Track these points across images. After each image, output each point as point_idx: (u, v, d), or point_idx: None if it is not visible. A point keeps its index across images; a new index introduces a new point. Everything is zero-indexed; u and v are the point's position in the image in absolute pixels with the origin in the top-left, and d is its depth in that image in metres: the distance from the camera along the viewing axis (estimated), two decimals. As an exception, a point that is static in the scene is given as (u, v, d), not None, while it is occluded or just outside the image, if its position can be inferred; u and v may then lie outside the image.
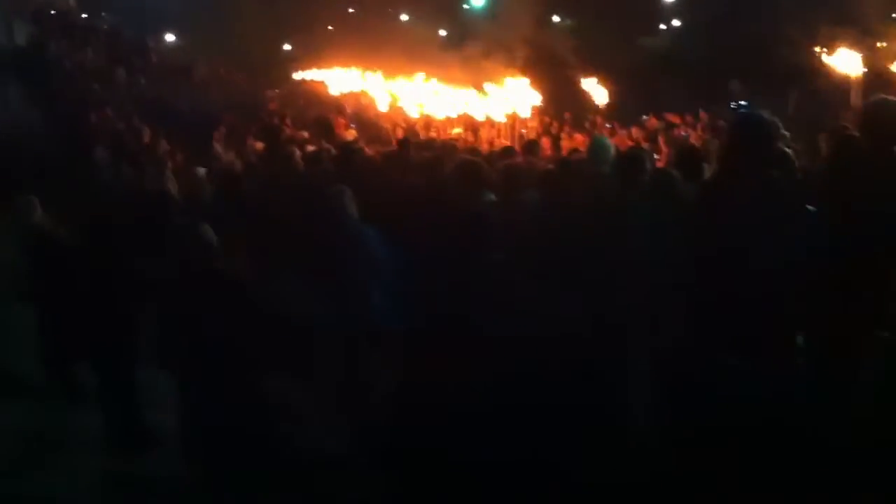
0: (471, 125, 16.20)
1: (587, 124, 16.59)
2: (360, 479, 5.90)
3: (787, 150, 6.53)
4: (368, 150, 12.87)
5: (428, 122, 17.03)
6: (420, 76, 18.63)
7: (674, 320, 5.08)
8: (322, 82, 28.30)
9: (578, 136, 14.88)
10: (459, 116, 15.57)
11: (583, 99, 14.31)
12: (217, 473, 5.55)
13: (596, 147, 7.17)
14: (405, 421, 4.92)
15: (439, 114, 15.92)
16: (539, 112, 13.10)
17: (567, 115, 16.72)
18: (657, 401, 5.03)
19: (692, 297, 4.88)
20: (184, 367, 5.50)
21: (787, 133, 7.05)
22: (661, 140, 14.68)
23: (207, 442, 5.50)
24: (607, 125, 16.67)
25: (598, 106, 12.15)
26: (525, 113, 13.53)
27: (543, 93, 12.69)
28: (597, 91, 12.37)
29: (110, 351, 7.06)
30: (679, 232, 5.19)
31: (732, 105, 16.71)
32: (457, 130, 14.99)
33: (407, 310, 5.64)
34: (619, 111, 16.13)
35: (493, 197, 6.86)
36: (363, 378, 6.49)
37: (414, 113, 17.40)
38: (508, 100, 13.59)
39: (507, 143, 12.86)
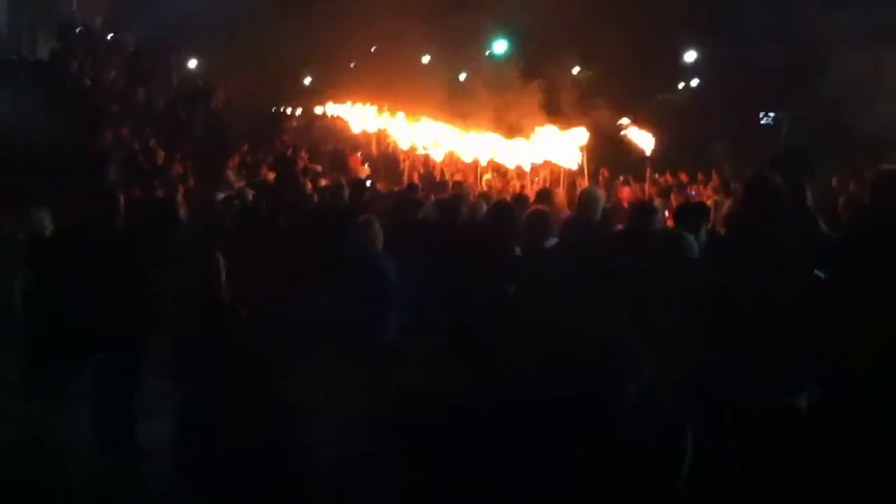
0: (498, 171, 16.12)
1: (600, 178, 16.61)
2: (367, 482, 5.84)
3: (811, 213, 6.48)
4: (381, 187, 12.97)
5: (450, 164, 17.00)
6: (437, 118, 18.69)
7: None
8: (340, 117, 28.45)
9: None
10: (488, 162, 15.38)
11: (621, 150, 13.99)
12: (210, 484, 5.47)
13: (587, 198, 7.28)
14: (408, 422, 4.89)
15: (465, 157, 15.83)
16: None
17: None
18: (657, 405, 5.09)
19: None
20: (186, 380, 5.45)
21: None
22: (672, 197, 14.68)
23: (203, 453, 5.43)
24: (621, 177, 16.69)
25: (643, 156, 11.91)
26: (541, 160, 13.53)
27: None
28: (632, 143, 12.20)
29: (111, 353, 7.00)
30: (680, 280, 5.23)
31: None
32: (487, 177, 14.72)
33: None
34: (637, 165, 16.11)
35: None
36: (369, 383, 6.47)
37: (434, 154, 17.31)
38: (532, 147, 13.57)
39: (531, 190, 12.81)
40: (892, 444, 4.22)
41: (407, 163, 18.26)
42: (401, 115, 21.22)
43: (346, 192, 10.38)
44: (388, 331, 6.76)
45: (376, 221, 7.25)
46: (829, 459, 4.36)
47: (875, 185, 4.97)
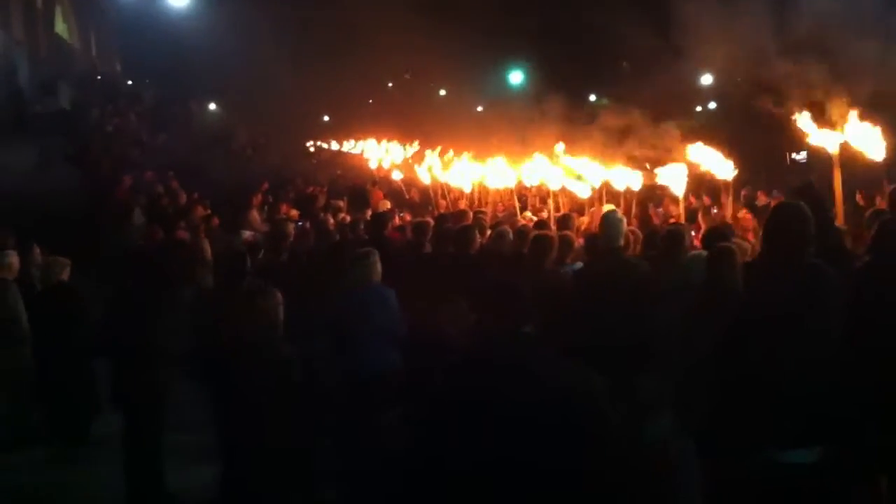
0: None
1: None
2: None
3: (839, 236, 6.40)
4: (399, 220, 12.97)
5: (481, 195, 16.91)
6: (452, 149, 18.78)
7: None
8: (360, 153, 28.59)
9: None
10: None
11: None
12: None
13: (608, 222, 7.14)
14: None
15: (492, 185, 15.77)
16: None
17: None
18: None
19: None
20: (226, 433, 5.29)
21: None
22: (700, 218, 14.57)
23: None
24: (651, 203, 16.55)
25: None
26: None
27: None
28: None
29: (139, 407, 6.99)
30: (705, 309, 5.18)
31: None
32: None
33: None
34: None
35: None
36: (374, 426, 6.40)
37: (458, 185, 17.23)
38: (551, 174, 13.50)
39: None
40: None
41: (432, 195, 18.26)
42: (418, 148, 21.29)
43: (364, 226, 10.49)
44: (393, 361, 6.78)
45: (374, 252, 7.25)
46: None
47: (892, 197, 4.91)
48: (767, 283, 4.62)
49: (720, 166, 10.67)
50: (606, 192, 13.25)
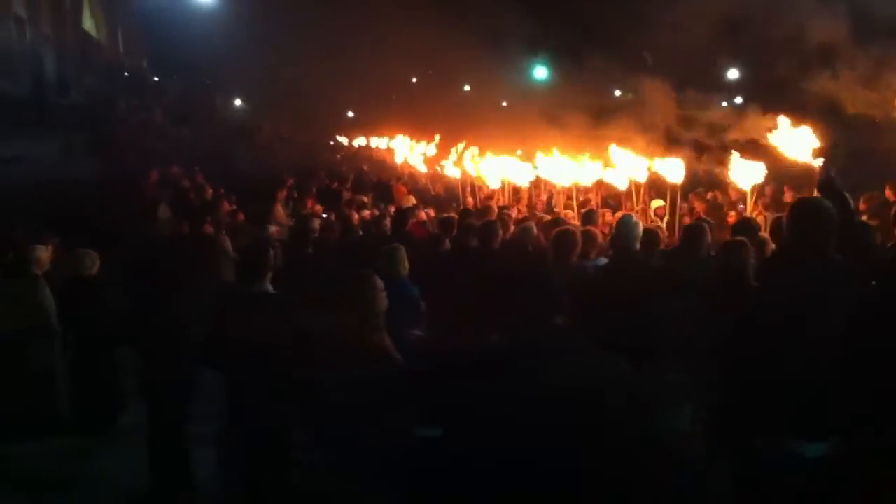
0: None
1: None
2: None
3: (862, 229, 6.37)
4: (424, 216, 12.96)
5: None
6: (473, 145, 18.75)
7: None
8: (385, 149, 28.63)
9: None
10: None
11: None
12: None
13: (621, 225, 7.14)
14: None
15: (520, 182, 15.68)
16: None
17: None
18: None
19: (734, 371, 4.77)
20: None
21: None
22: (725, 213, 14.49)
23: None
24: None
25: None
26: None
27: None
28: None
29: (163, 397, 7.05)
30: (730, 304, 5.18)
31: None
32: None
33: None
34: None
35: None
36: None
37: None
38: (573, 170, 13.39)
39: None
40: None
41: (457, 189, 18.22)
42: (440, 144, 21.26)
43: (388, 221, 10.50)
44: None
45: (401, 248, 7.27)
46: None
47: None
48: (786, 277, 4.60)
49: (802, 149, 9.60)
50: (651, 185, 13.14)
